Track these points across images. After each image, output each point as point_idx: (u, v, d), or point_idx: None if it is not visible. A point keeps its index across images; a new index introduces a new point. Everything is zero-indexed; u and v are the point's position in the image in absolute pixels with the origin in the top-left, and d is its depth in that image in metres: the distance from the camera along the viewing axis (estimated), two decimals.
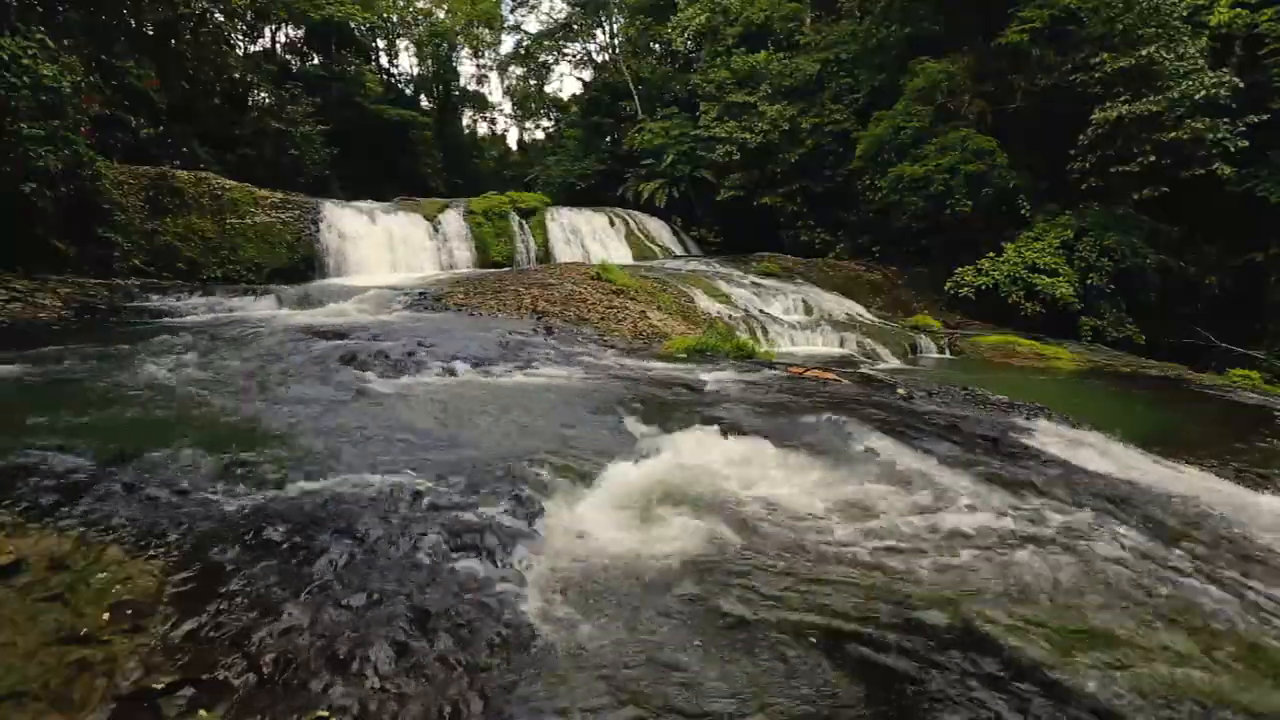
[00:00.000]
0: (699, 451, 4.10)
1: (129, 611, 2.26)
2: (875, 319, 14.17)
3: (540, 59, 37.35)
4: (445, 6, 36.16)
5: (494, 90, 47.32)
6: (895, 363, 11.43)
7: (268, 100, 22.27)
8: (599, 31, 33.10)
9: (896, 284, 17.02)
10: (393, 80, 35.15)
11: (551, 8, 41.26)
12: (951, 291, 15.32)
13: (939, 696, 2.10)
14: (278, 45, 27.62)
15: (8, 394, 4.83)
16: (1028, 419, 5.87)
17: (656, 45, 29.64)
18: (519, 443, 4.19)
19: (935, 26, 17.90)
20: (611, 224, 19.78)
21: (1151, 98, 13.48)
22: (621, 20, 31.14)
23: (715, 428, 4.54)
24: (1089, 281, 14.08)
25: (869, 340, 12.06)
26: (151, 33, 17.72)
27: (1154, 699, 2.17)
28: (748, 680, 2.15)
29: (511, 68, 40.39)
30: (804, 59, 20.70)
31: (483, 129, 44.13)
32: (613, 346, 8.54)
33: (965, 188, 15.35)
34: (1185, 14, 14.17)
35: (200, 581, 2.47)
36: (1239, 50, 14.66)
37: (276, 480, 3.36)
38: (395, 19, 34.46)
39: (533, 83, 40.44)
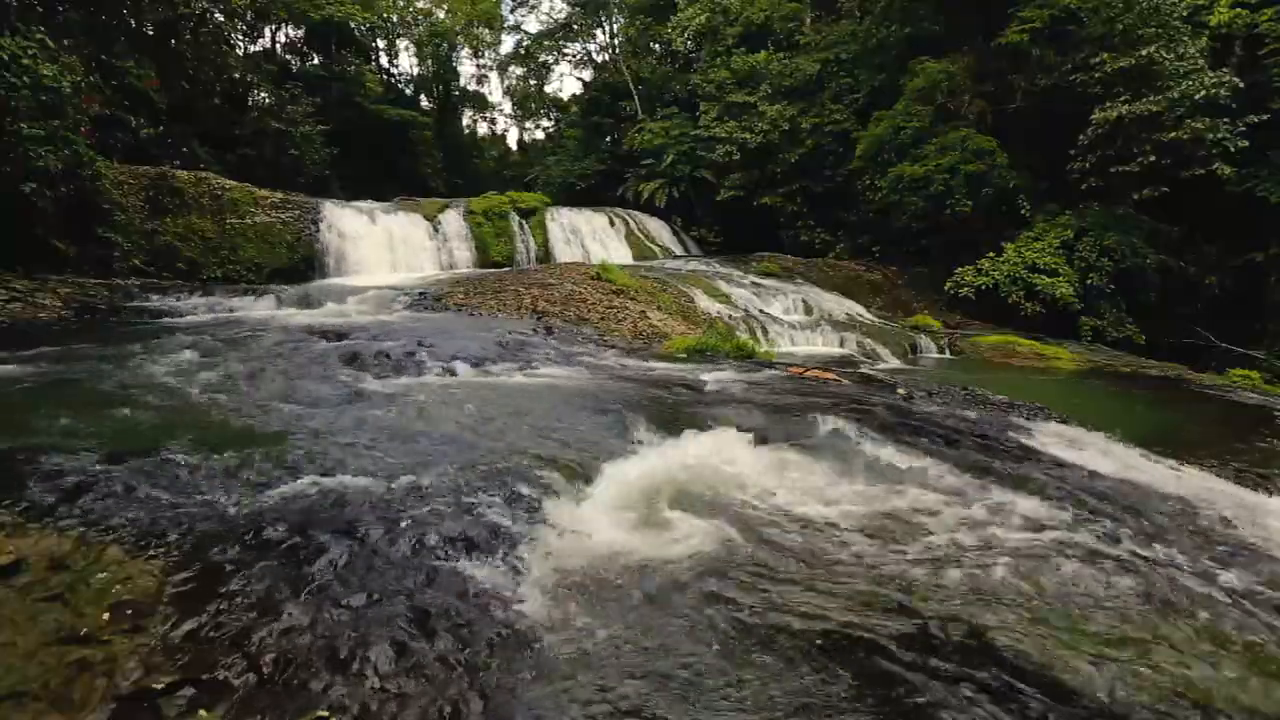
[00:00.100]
0: (699, 452, 4.10)
1: (129, 611, 2.26)
2: (875, 319, 14.17)
3: (540, 59, 37.35)
4: (445, 6, 36.15)
5: (494, 90, 47.34)
6: (895, 363, 11.43)
7: (268, 100, 22.26)
8: (599, 31, 33.13)
9: (896, 284, 17.02)
10: (393, 80, 35.15)
11: (551, 8, 41.29)
12: (951, 291, 15.32)
13: (939, 702, 2.10)
14: (278, 45, 27.63)
15: (8, 394, 4.82)
16: (1028, 419, 5.87)
17: (656, 45, 29.63)
18: (519, 443, 4.19)
19: (935, 26, 17.90)
20: (611, 224, 19.77)
21: (1151, 98, 13.48)
22: (621, 20, 31.13)
23: (716, 428, 4.54)
24: (1089, 281, 14.08)
25: (869, 340, 12.06)
26: (151, 33, 17.71)
27: (1157, 700, 2.17)
28: (748, 681, 2.15)
29: (511, 68, 40.41)
30: (804, 59, 20.69)
31: (483, 129, 44.19)
32: (613, 346, 8.54)
33: (965, 188, 15.35)
34: (1185, 14, 14.17)
35: (200, 581, 2.47)
36: (1239, 50, 14.66)
37: (276, 480, 3.36)
38: (395, 19, 34.45)
39: (533, 83, 40.46)
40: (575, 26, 33.62)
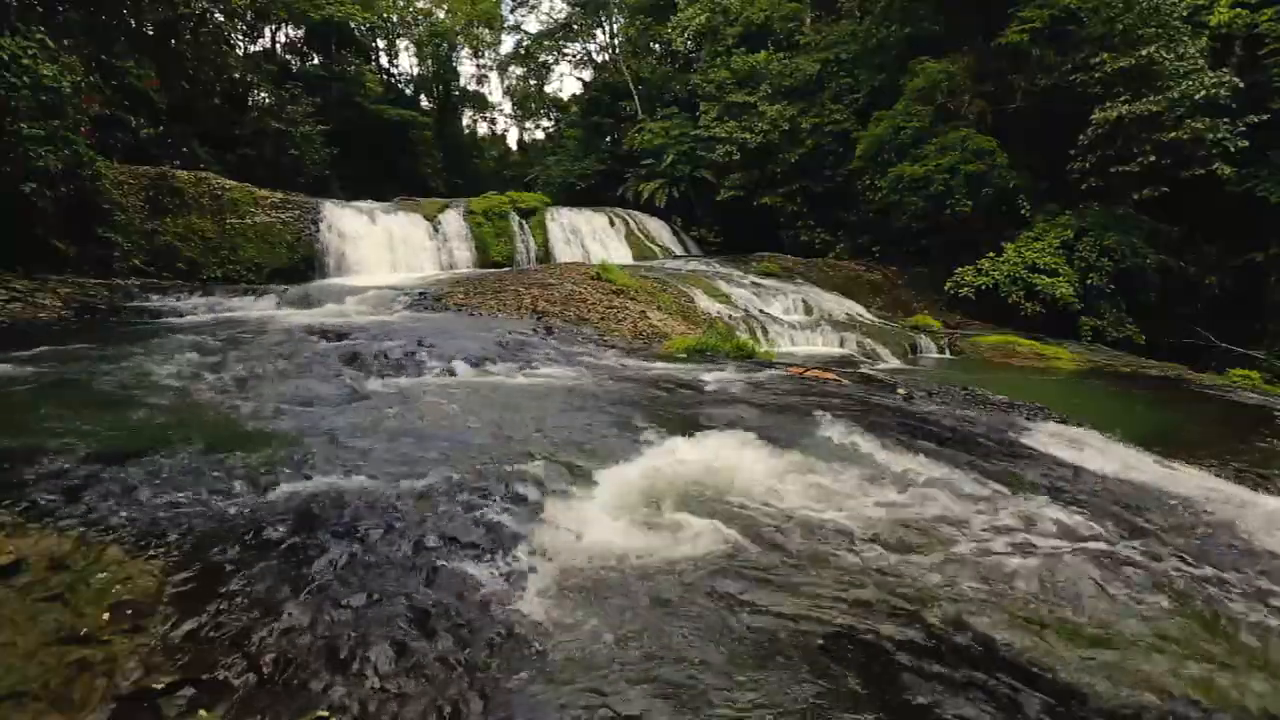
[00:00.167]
0: (700, 452, 4.10)
1: (129, 611, 2.26)
2: (875, 319, 14.17)
3: (540, 59, 37.34)
4: (445, 6, 36.16)
5: (494, 90, 47.39)
6: (895, 363, 11.43)
7: (268, 100, 22.26)
8: (599, 31, 33.12)
9: (896, 284, 17.02)
10: (393, 80, 35.15)
11: (551, 8, 41.32)
12: (951, 291, 15.31)
13: (944, 706, 2.10)
14: (278, 45, 27.63)
15: (8, 394, 4.82)
16: (1028, 419, 5.87)
17: (656, 45, 29.62)
18: (519, 443, 4.19)
19: (935, 26, 17.89)
20: (611, 224, 19.77)
21: (1151, 98, 13.47)
22: (621, 20, 31.13)
23: (717, 428, 4.54)
24: (1089, 281, 14.08)
25: (869, 340, 12.06)
26: (151, 33, 17.71)
27: (1158, 700, 2.17)
28: (751, 684, 2.15)
29: (511, 68, 40.41)
30: (804, 59, 20.69)
31: (483, 129, 44.20)
32: (613, 346, 8.53)
33: (965, 188, 15.35)
34: (1185, 14, 14.16)
35: (200, 581, 2.47)
36: (1239, 50, 14.65)
37: (276, 480, 3.36)
38: (395, 19, 34.46)
39: (533, 83, 40.46)
40: (575, 26, 33.62)
